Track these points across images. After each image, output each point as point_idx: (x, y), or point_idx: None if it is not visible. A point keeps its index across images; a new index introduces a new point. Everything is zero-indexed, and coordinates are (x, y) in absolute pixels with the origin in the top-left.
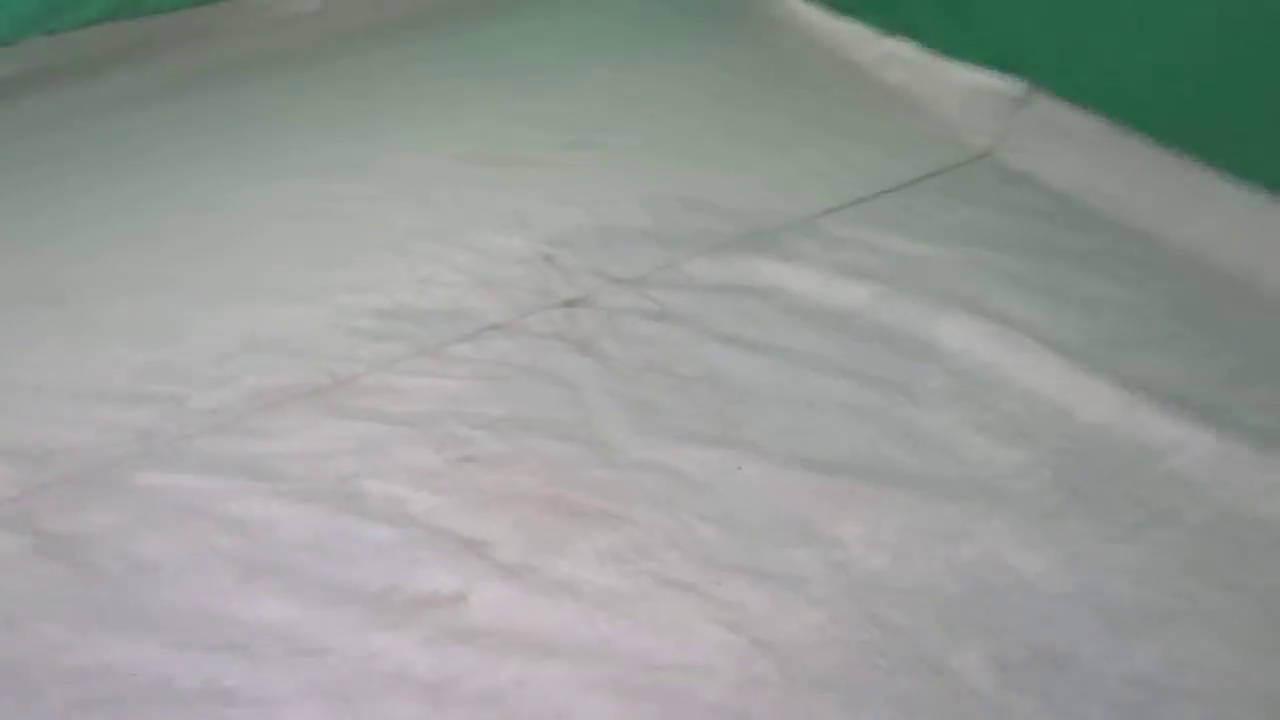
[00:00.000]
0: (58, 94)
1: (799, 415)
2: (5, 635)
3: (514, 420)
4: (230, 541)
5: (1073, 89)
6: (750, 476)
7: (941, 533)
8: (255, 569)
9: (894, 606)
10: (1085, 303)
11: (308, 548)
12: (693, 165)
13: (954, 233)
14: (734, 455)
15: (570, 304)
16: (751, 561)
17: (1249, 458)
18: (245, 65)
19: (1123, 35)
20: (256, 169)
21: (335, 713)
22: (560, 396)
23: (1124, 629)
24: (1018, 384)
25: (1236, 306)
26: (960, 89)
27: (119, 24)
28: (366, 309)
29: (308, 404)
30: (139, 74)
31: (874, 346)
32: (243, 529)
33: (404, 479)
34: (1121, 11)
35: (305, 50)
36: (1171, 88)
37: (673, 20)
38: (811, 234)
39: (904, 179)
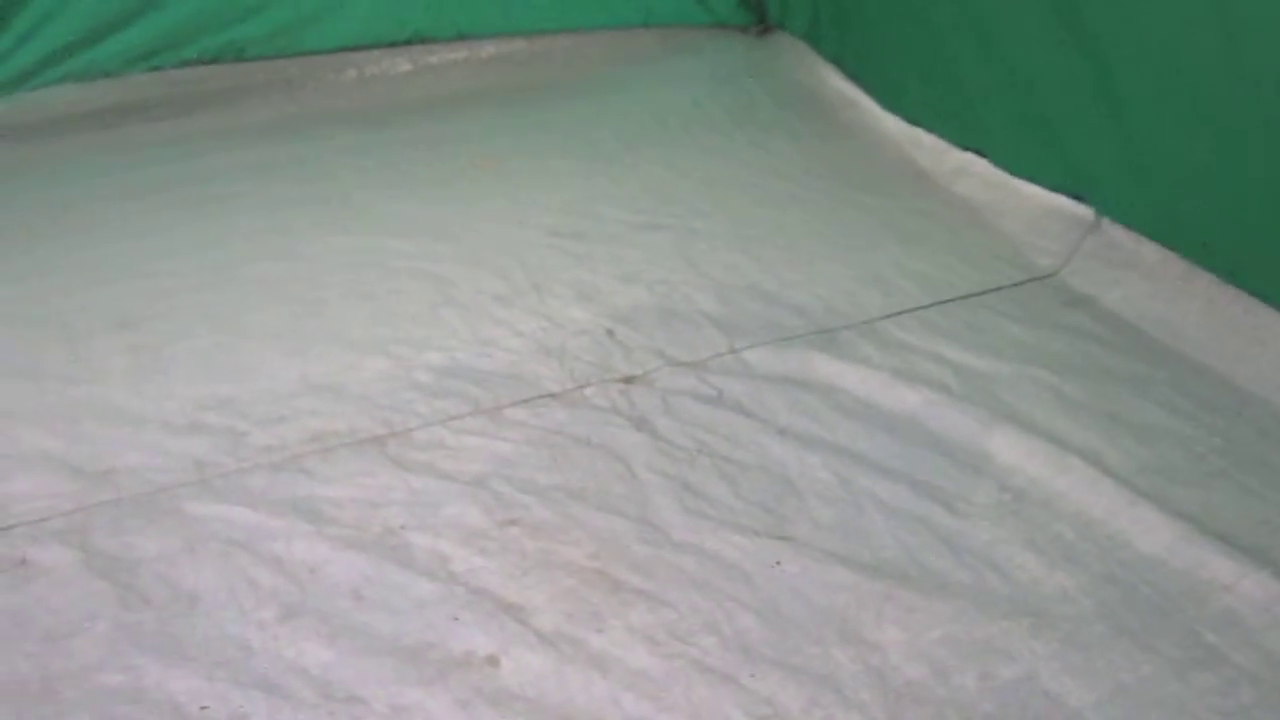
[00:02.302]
0: (154, 128)
1: (845, 514)
2: (41, 648)
3: (563, 489)
4: (273, 579)
5: (1141, 219)
6: (792, 571)
7: (982, 649)
8: (295, 609)
9: None
10: (1138, 430)
11: (349, 594)
12: (762, 257)
13: (1012, 349)
14: (777, 547)
15: (628, 380)
16: (789, 657)
17: None
18: (336, 119)
19: (1193, 169)
20: (335, 221)
21: None
22: (611, 471)
23: None
24: (1068, 505)
25: None
26: (1029, 208)
27: (219, 66)
28: (428, 365)
29: (362, 451)
30: (233, 117)
31: (926, 453)
32: (286, 569)
33: (451, 536)
34: (1193, 146)
35: (394, 110)
36: (1238, 225)
37: (760, 112)
38: (871, 336)
39: (967, 291)
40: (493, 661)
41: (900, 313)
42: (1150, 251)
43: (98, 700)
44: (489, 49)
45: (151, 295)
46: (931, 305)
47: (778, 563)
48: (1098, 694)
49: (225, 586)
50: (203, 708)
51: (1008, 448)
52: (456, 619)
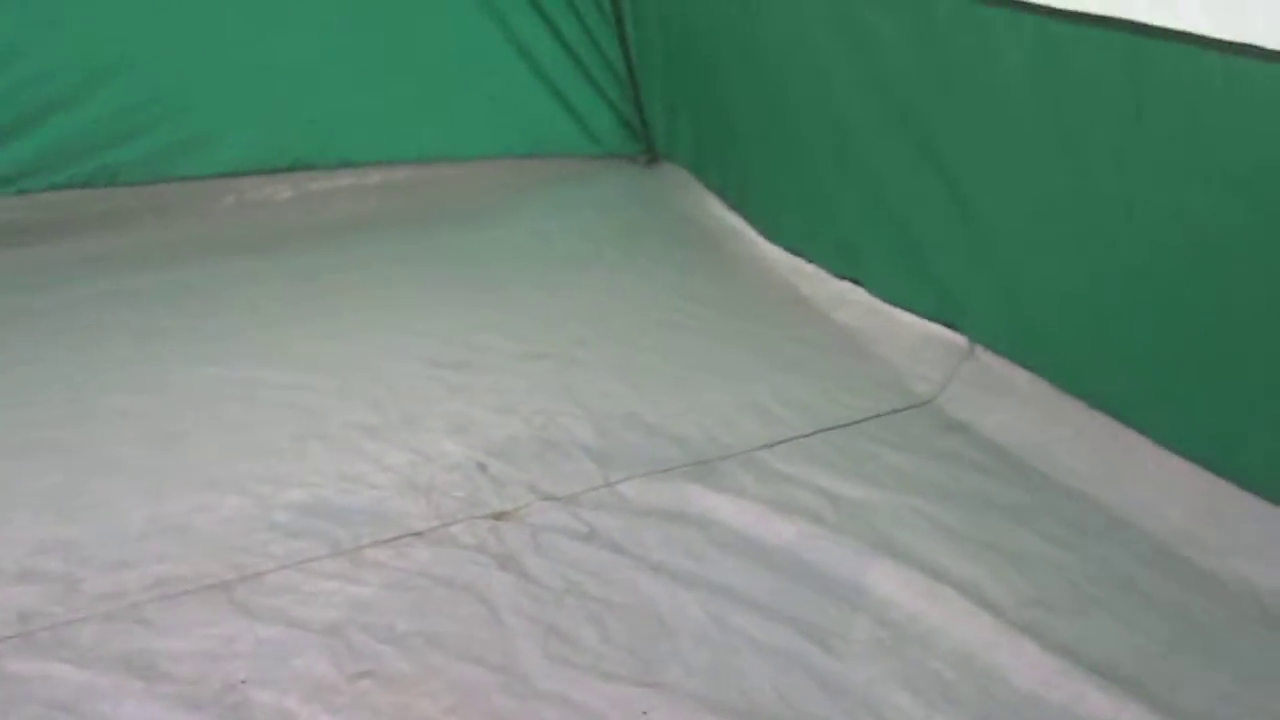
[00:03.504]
0: (19, 254)
1: (717, 656)
2: None
3: (423, 636)
4: None
5: (1010, 345)
6: None
7: None
8: None
9: None
10: (1015, 559)
11: None
12: (643, 386)
13: (890, 478)
14: (646, 695)
15: (498, 516)
16: None
17: None
18: (213, 247)
19: (1056, 295)
20: (204, 352)
21: None
22: (474, 614)
23: None
24: (946, 641)
25: (1165, 576)
26: (906, 335)
27: (91, 191)
28: (287, 503)
29: (208, 598)
30: (105, 243)
31: (801, 589)
32: None
33: (297, 691)
34: (1054, 273)
35: (274, 237)
36: (1102, 351)
37: (646, 241)
38: (750, 466)
39: (846, 419)
40: None
41: (779, 442)
42: (1021, 377)
43: None
44: (374, 176)
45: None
46: (811, 434)
47: (644, 713)
48: None
49: None
50: None
51: (885, 580)
52: None
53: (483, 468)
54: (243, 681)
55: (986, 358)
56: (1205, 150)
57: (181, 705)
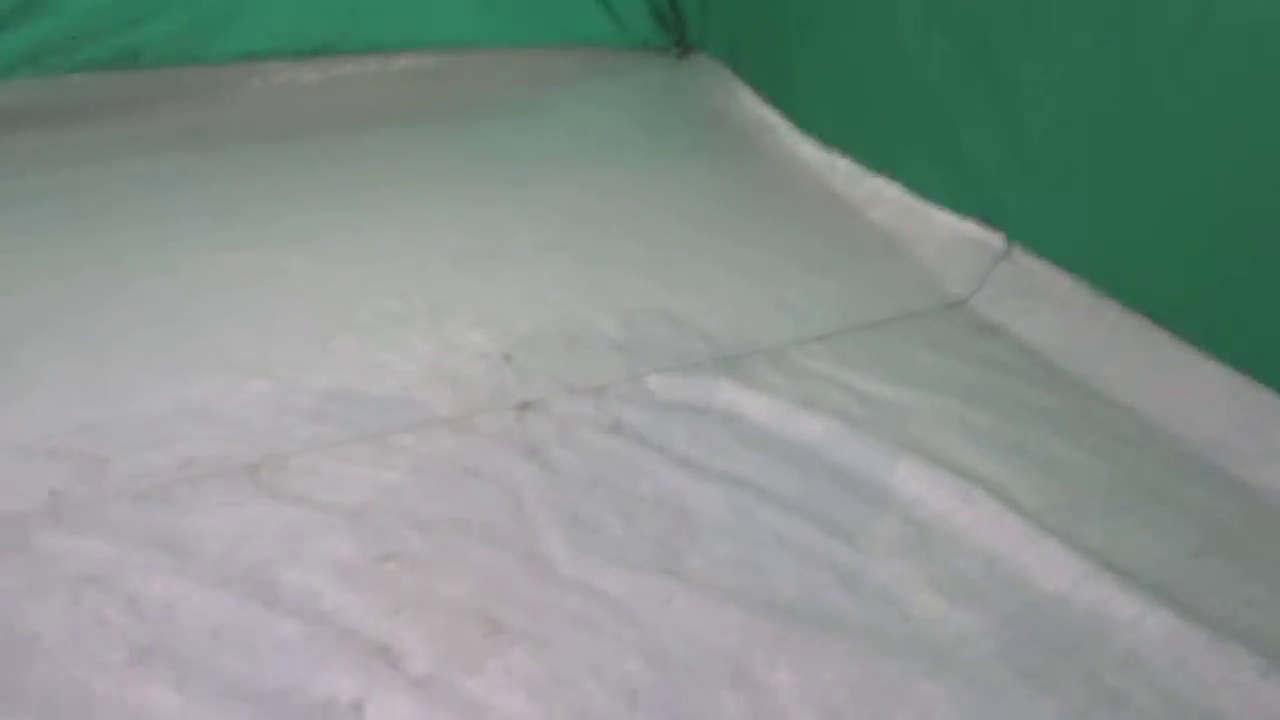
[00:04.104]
0: (39, 136)
1: (741, 549)
2: None
3: (447, 521)
4: (124, 619)
5: (1050, 247)
6: (682, 610)
7: (878, 691)
8: (146, 651)
9: None
10: (1045, 464)
11: (207, 635)
12: (669, 282)
13: (920, 378)
14: (669, 584)
15: (523, 407)
16: (675, 702)
17: (1204, 644)
18: (236, 131)
19: (1099, 197)
20: (226, 238)
21: None
22: (499, 502)
23: None
24: (972, 541)
25: (1197, 484)
26: (941, 235)
27: (113, 73)
28: (312, 388)
29: (234, 480)
30: (126, 126)
31: (828, 486)
32: (140, 607)
33: (322, 571)
34: (1099, 173)
35: (299, 124)
36: (1149, 256)
37: (677, 136)
38: (778, 364)
39: (877, 318)
40: (356, 708)
41: (808, 340)
42: (1059, 279)
43: None
44: (401, 62)
45: (20, 314)
46: (840, 332)
47: (668, 601)
48: None
49: (71, 626)
50: None
51: (912, 479)
52: (320, 661)
53: (508, 358)
54: (269, 560)
55: (1024, 259)
56: (1260, 52)
57: (210, 582)
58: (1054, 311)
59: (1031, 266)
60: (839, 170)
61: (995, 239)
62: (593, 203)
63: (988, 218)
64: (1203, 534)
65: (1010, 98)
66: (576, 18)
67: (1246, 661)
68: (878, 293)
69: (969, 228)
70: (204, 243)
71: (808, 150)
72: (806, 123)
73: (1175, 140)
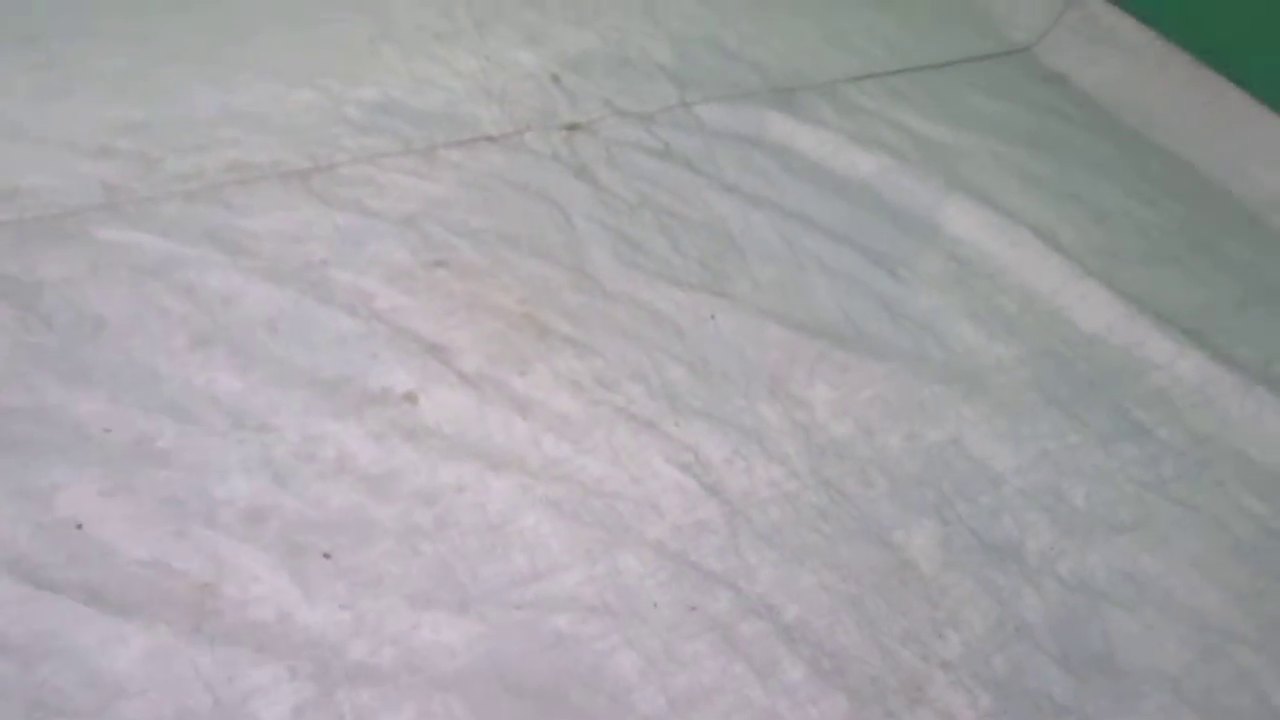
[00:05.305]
0: None
1: (785, 273)
2: None
3: (496, 233)
4: (184, 308)
5: None
6: (726, 326)
7: (911, 411)
8: (206, 338)
9: (850, 475)
10: (1095, 211)
11: (264, 326)
12: (722, 11)
13: (976, 121)
14: (713, 302)
15: (572, 128)
16: (715, 409)
17: (1232, 386)
18: None
19: None
20: None
21: (268, 491)
22: (547, 217)
23: (1075, 534)
24: (1014, 279)
25: (1245, 239)
26: None
27: None
28: (359, 100)
29: (285, 184)
30: None
31: (875, 219)
32: (198, 298)
33: (374, 274)
34: None
35: None
36: (1222, 5)
37: None
38: (831, 98)
39: (935, 60)
40: (410, 398)
41: (864, 77)
42: (1127, 27)
43: None
44: None
45: (62, 11)
46: (898, 71)
47: (712, 317)
48: (1020, 460)
49: (133, 313)
50: (106, 430)
51: (959, 218)
52: (376, 356)
53: (556, 79)
54: (322, 262)
55: (1095, 6)
56: None
57: (264, 278)
58: (1120, 61)
59: (1102, 14)
60: None
61: None
62: None
63: None
64: (1245, 287)
65: None
66: None
67: (1274, 406)
68: (939, 33)
69: None
70: None
71: None
72: None
73: None
